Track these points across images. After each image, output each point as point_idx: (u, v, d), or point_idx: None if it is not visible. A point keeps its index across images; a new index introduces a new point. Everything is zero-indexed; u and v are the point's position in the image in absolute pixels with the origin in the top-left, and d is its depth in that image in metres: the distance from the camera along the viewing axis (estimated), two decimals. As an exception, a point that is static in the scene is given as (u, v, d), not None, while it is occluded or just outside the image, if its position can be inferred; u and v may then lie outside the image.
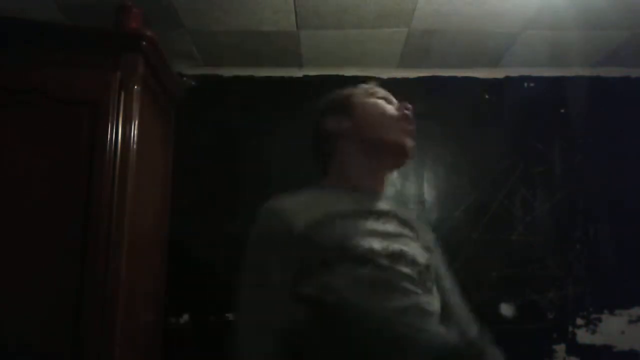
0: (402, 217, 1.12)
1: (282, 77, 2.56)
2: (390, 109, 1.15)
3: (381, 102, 1.16)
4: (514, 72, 2.53)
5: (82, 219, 1.66)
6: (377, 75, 2.55)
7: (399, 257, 1.00)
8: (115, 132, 1.74)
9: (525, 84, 2.53)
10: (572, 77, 2.52)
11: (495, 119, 2.49)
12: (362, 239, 0.99)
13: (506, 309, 2.32)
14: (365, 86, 1.21)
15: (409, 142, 1.12)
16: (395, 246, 1.01)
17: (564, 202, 2.42)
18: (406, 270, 0.99)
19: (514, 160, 2.46)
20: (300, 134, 2.51)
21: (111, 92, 1.75)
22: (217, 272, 2.35)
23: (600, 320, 2.33)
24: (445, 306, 1.07)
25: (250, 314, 0.98)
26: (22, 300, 1.62)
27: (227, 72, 2.55)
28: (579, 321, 2.33)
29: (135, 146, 1.78)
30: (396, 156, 1.14)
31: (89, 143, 1.71)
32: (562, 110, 2.51)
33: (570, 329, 2.31)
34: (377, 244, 0.99)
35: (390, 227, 1.06)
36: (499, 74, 2.54)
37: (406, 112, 1.14)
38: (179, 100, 2.39)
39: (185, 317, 2.32)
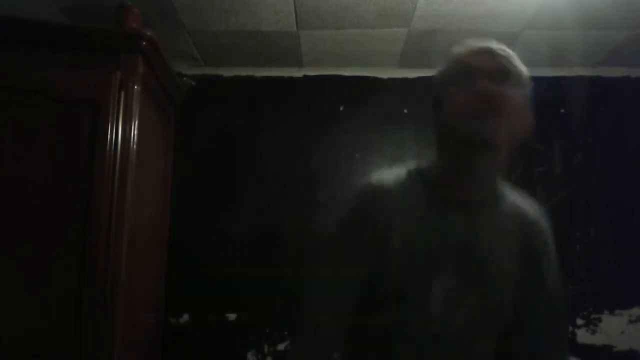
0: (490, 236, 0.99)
1: (282, 77, 2.56)
2: (471, 90, 0.93)
3: (467, 85, 0.94)
4: (514, 72, 2.53)
5: (82, 219, 1.66)
6: (377, 75, 2.56)
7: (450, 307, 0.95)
8: (115, 132, 1.73)
9: (525, 84, 2.53)
10: (572, 77, 2.52)
11: (495, 119, 2.49)
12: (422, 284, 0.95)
13: (506, 309, 2.32)
14: (469, 57, 0.98)
15: (480, 129, 0.90)
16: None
17: (564, 202, 2.42)
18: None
19: (514, 160, 2.46)
20: (301, 134, 2.52)
21: (111, 92, 1.75)
22: (217, 272, 2.35)
23: (600, 320, 2.33)
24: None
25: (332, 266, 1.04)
26: (22, 300, 1.62)
27: (227, 72, 2.55)
28: (579, 321, 2.33)
29: (135, 146, 1.78)
30: (472, 149, 0.93)
31: (89, 143, 1.71)
32: (562, 110, 2.51)
33: (570, 329, 2.31)
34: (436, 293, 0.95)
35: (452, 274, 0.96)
36: (499, 74, 2.54)
37: (484, 91, 0.91)
38: (179, 100, 2.39)
39: (185, 317, 2.32)
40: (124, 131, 1.75)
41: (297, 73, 2.56)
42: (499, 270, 0.97)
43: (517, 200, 1.05)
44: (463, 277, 0.95)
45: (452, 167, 0.99)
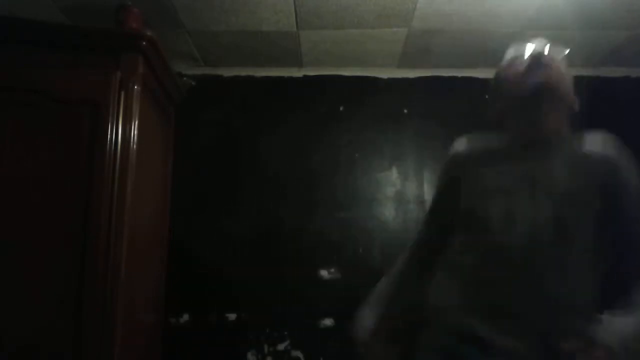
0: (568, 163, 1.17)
1: (282, 77, 2.56)
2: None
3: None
4: (514, 72, 2.53)
5: (82, 219, 1.66)
6: (377, 75, 2.56)
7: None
8: (115, 132, 1.74)
9: (525, 84, 2.53)
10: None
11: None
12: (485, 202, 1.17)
13: (506, 309, 2.32)
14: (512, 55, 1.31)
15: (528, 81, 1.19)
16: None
17: (564, 202, 2.42)
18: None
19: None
20: (301, 134, 2.52)
21: (111, 92, 1.75)
22: (217, 271, 2.35)
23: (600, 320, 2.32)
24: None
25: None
26: (23, 300, 1.62)
27: (227, 72, 2.55)
28: (579, 321, 2.32)
29: (135, 146, 1.78)
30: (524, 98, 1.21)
31: (89, 143, 1.71)
32: (562, 110, 2.51)
33: (570, 329, 2.31)
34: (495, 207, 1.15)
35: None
36: (499, 74, 2.54)
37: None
38: (179, 100, 2.40)
39: (185, 317, 2.32)
40: (124, 131, 1.76)
41: (297, 73, 2.56)
42: (567, 195, 1.13)
43: (595, 141, 1.26)
44: (533, 199, 1.13)
45: (514, 119, 1.21)
